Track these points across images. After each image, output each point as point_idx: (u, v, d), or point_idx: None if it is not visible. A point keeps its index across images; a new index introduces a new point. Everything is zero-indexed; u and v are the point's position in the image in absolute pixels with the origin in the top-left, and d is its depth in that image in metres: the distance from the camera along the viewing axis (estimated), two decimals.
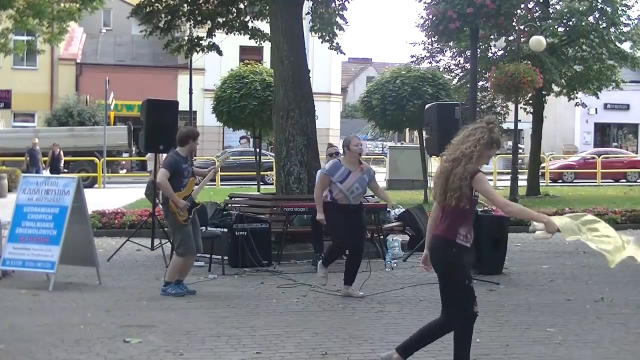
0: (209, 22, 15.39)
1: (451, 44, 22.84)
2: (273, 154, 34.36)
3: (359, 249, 8.84)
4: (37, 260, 9.08)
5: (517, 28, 20.54)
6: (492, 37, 21.79)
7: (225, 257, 10.38)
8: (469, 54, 21.29)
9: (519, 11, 20.44)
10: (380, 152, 48.46)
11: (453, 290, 5.30)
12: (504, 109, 29.49)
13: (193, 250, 8.74)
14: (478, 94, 23.07)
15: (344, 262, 10.57)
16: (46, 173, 23.80)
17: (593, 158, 32.00)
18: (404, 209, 13.30)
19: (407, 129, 29.78)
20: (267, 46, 15.34)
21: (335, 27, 15.39)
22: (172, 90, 36.97)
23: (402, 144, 44.42)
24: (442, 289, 5.39)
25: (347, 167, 8.64)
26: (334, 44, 15.59)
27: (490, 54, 24.38)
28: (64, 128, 32.91)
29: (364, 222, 9.11)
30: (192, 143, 8.83)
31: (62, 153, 25.27)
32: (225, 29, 15.69)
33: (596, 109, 42.24)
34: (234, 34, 16.28)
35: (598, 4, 22.90)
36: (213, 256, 10.38)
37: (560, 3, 24.02)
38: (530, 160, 24.21)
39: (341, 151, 9.31)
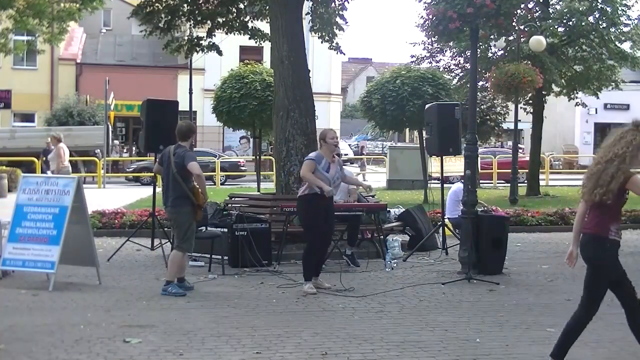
0: (209, 22, 15.38)
1: (451, 44, 22.82)
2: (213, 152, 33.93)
3: (328, 241, 9.29)
4: (37, 260, 9.07)
5: (517, 28, 20.52)
6: (492, 37, 21.75)
7: (225, 257, 10.38)
8: (469, 54, 21.29)
9: (519, 11, 20.41)
10: (380, 152, 48.43)
11: (601, 285, 5.62)
12: (504, 109, 29.46)
13: (191, 249, 9.02)
14: (478, 94, 23.05)
15: (342, 262, 10.67)
16: (49, 173, 23.74)
17: (485, 159, 31.51)
18: (404, 209, 13.30)
19: (407, 129, 29.78)
20: (267, 46, 15.33)
21: (335, 27, 15.38)
22: (172, 90, 36.97)
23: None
24: (591, 283, 5.65)
25: (326, 158, 8.93)
26: (333, 44, 15.59)
27: (490, 54, 24.38)
28: (41, 128, 32.92)
29: (334, 214, 9.30)
30: (192, 137, 9.06)
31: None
32: (225, 29, 15.68)
33: (596, 109, 42.24)
34: (234, 34, 16.27)
35: (598, 4, 22.89)
36: (213, 256, 10.38)
37: (560, 3, 24.01)
38: (530, 160, 24.21)
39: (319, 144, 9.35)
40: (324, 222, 8.82)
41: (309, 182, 8.76)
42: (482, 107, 27.40)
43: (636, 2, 27.31)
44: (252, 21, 15.83)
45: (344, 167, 9.50)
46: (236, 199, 12.93)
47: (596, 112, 43.29)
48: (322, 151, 9.03)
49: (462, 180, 11.24)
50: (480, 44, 22.08)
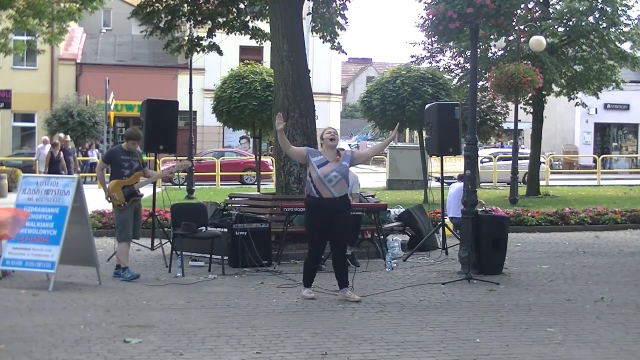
0: (209, 22, 15.38)
1: (451, 44, 22.81)
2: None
3: (342, 250, 8.61)
4: (37, 260, 9.08)
5: (517, 28, 20.51)
6: (492, 37, 21.74)
7: (225, 257, 10.38)
8: (469, 54, 21.28)
9: (519, 11, 20.38)
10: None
11: None
12: (504, 109, 29.48)
13: (129, 237, 9.79)
14: (478, 94, 23.07)
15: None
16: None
17: (211, 160, 31.19)
18: (404, 209, 13.31)
19: (407, 129, 29.79)
20: (267, 46, 15.33)
21: (336, 27, 15.38)
22: (172, 90, 36.91)
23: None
24: None
25: (324, 156, 8.46)
26: (335, 44, 15.60)
27: (490, 54, 24.36)
28: None
29: (348, 220, 8.78)
30: (128, 142, 9.98)
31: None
32: (226, 29, 15.68)
33: (596, 109, 42.19)
34: (234, 34, 16.28)
35: (598, 4, 22.87)
36: (213, 256, 10.38)
37: (560, 3, 23.99)
38: (530, 160, 24.21)
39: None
40: (326, 227, 8.35)
41: (283, 147, 8.80)
42: (482, 107, 27.39)
43: (636, 2, 27.27)
44: (252, 21, 15.83)
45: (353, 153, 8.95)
46: (236, 199, 12.94)
47: (596, 112, 43.24)
48: (322, 150, 8.66)
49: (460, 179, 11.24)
50: (480, 44, 22.08)
